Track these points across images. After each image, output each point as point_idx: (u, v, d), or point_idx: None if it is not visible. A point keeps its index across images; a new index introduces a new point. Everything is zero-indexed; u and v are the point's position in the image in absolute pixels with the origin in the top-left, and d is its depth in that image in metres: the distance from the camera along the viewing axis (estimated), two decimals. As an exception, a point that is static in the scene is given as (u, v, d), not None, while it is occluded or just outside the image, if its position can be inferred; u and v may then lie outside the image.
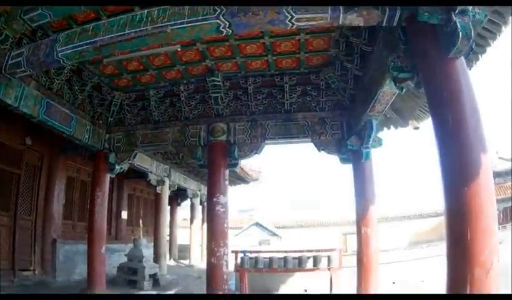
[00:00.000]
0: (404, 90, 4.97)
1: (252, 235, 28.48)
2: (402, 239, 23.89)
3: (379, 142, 7.35)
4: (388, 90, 5.24)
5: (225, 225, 7.09)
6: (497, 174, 30.96)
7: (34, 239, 8.96)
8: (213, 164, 7.24)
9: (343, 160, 7.49)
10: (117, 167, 7.97)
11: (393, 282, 8.80)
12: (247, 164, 14.88)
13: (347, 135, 7.20)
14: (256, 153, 7.28)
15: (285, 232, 31.06)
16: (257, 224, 30.24)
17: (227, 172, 7.33)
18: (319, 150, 7.38)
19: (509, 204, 29.66)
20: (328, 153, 7.37)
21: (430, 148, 4.07)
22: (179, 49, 6.07)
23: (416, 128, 7.92)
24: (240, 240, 25.26)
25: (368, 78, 5.89)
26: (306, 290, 9.00)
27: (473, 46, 3.61)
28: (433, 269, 9.38)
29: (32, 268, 8.82)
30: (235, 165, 7.44)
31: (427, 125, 7.71)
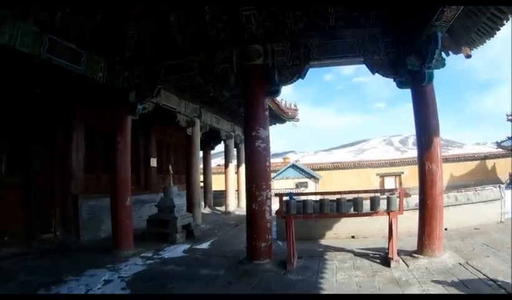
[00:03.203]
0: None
1: (289, 177, 28.05)
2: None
3: (442, 62, 6.20)
4: (466, -14, 4.11)
5: (267, 163, 6.17)
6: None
7: (54, 197, 8.31)
8: (250, 92, 6.24)
9: (401, 84, 6.47)
10: (139, 106, 7.10)
11: (445, 229, 7.80)
12: (282, 101, 13.75)
13: (404, 54, 6.10)
14: (299, 77, 6.21)
15: (321, 174, 30.62)
16: (293, 166, 29.91)
17: (266, 101, 6.33)
18: (373, 73, 6.28)
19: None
20: (383, 75, 6.28)
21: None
22: None
23: (468, 56, 6.86)
24: (276, 184, 24.65)
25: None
26: (353, 237, 8.16)
27: None
28: (485, 216, 8.67)
29: (53, 229, 8.22)
30: (276, 92, 6.40)
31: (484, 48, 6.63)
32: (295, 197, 6.12)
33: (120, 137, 7.13)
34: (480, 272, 5.03)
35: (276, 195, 6.25)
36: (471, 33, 6.28)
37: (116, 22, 6.63)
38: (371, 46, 6.20)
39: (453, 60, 7.15)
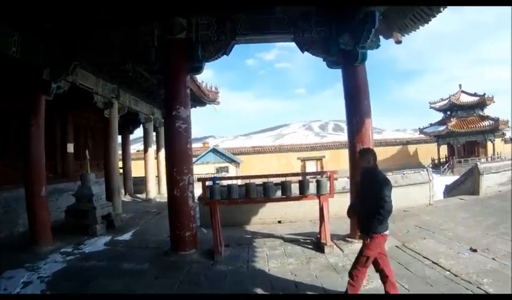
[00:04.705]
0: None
1: (209, 162, 27.72)
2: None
3: (376, 43, 6.14)
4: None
5: (188, 145, 5.77)
6: (460, 107, 31.75)
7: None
8: (171, 68, 5.79)
9: (331, 64, 6.36)
10: (53, 85, 6.47)
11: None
12: (203, 83, 13.21)
13: (337, 33, 5.94)
14: (224, 53, 5.86)
15: (242, 159, 30.85)
16: (214, 151, 29.78)
17: (188, 78, 5.92)
18: (302, 51, 6.06)
19: (471, 139, 31.39)
20: (313, 54, 6.11)
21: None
22: None
23: (399, 42, 6.78)
24: (196, 169, 23.98)
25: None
26: (280, 222, 8.05)
27: None
28: (414, 199, 8.87)
29: (-35, 231, 7.30)
30: (199, 69, 5.98)
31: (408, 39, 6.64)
32: (218, 182, 5.74)
33: (34, 119, 6.43)
34: (420, 254, 5.01)
35: (199, 180, 5.85)
36: (405, 18, 6.15)
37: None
38: (302, 23, 5.98)
39: (375, 50, 6.99)
